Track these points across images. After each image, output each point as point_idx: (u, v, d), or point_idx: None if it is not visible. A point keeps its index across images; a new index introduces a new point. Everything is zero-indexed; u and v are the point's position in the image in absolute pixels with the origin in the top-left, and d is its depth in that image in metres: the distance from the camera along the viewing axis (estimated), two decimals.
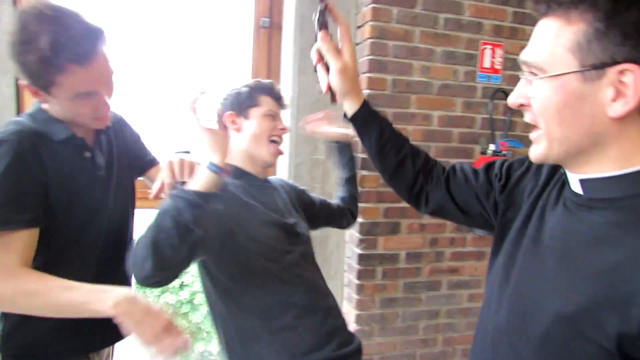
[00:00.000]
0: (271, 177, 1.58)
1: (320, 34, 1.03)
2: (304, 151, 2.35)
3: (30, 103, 1.27)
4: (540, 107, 0.73)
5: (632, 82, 0.64)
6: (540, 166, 0.92)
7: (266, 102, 1.44)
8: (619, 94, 0.66)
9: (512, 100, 0.78)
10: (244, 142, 1.43)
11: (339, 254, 2.49)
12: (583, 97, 0.69)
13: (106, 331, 1.25)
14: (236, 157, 1.44)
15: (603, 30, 0.65)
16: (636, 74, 0.64)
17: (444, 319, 2.51)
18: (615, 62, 0.65)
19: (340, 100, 1.11)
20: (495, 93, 2.31)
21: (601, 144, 0.71)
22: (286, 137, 2.34)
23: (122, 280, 1.32)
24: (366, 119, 1.11)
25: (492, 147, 2.29)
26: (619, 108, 0.67)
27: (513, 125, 2.39)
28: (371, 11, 2.18)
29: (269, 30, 2.47)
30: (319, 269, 1.55)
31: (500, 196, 0.99)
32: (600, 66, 0.66)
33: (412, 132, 2.28)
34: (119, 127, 1.39)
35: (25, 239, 1.05)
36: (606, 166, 0.72)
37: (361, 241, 2.32)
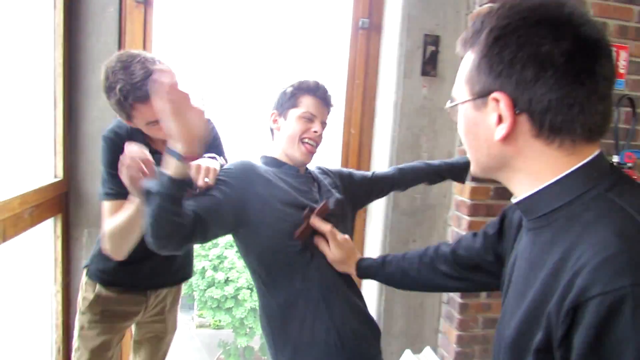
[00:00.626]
0: (313, 168, 1.57)
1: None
2: (405, 158, 2.22)
3: None
4: (459, 133, 0.83)
5: (503, 108, 0.71)
6: None
7: (306, 104, 1.44)
8: (500, 119, 0.72)
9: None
10: (281, 142, 1.46)
11: None
12: (477, 123, 0.77)
13: (163, 276, 1.73)
14: (276, 153, 1.48)
15: (478, 63, 0.73)
16: (503, 100, 0.71)
17: None
18: (490, 91, 0.72)
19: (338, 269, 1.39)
20: (620, 100, 2.12)
21: (507, 166, 0.76)
22: (387, 143, 2.24)
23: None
24: (367, 274, 1.39)
25: (615, 158, 2.09)
26: (500, 132, 0.72)
27: (638, 134, 2.18)
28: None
29: (368, 31, 2.36)
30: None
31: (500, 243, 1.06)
32: (481, 95, 0.74)
33: None
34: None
35: (117, 206, 1.47)
36: (524, 187, 0.76)
37: None
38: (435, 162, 1.77)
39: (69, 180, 2.16)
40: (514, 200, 0.80)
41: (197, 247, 13.08)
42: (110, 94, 1.40)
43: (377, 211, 2.34)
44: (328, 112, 1.50)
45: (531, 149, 0.73)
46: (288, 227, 1.33)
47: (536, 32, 0.68)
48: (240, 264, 15.48)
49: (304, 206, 1.36)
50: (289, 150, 1.45)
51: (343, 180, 1.58)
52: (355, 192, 1.59)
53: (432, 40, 2.19)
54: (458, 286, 1.28)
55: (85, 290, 1.68)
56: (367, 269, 1.39)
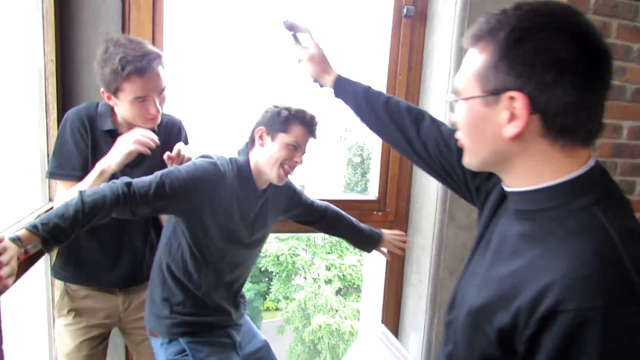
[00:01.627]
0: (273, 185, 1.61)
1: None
2: None
3: None
4: (460, 125, 0.85)
5: (519, 107, 0.73)
6: None
7: (296, 133, 1.48)
8: (512, 117, 0.75)
9: (451, 118, 0.89)
10: (261, 157, 1.49)
11: None
12: (486, 119, 0.78)
13: (137, 272, 1.64)
14: (251, 161, 1.52)
15: (496, 61, 0.74)
16: (521, 100, 0.73)
17: None
18: (506, 89, 0.74)
19: (318, 82, 1.38)
20: None
21: (508, 161, 0.80)
22: None
23: None
24: (341, 89, 1.35)
25: None
26: (511, 130, 0.75)
27: None
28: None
29: (413, 20, 2.07)
30: (246, 272, 1.68)
31: (481, 187, 1.04)
32: (495, 92, 0.76)
33: (597, 146, 1.91)
34: (172, 130, 1.67)
35: (69, 186, 1.48)
36: (520, 181, 0.80)
37: None
38: (354, 220, 1.84)
39: None
40: (506, 188, 0.85)
41: None
42: (107, 63, 1.40)
43: (426, 225, 2.08)
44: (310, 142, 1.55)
45: (536, 148, 0.76)
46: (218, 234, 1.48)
47: (557, 38, 0.71)
48: None
49: (243, 244, 1.54)
50: (266, 169, 1.50)
51: (291, 197, 1.70)
52: (292, 210, 1.73)
53: None
54: (422, 152, 1.20)
55: (56, 293, 1.65)
56: (344, 91, 1.36)
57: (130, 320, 1.69)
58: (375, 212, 2.16)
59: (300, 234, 14.39)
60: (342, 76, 1.35)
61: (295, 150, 1.49)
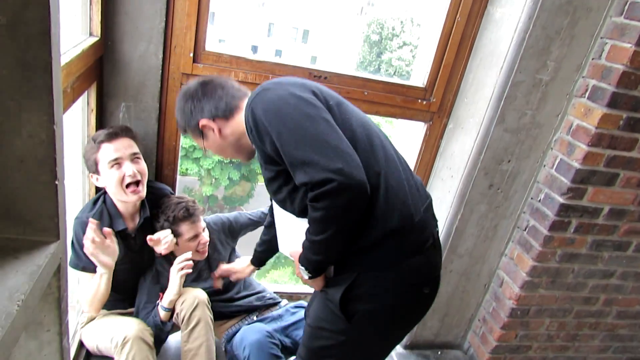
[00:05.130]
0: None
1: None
2: (529, 67, 1.82)
3: None
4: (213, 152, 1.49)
5: (207, 123, 1.36)
6: None
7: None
8: (213, 131, 1.37)
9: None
10: None
11: (523, 195, 2.10)
12: (207, 139, 1.42)
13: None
14: None
15: (186, 118, 1.40)
16: (207, 121, 1.36)
17: (616, 280, 2.24)
18: (197, 122, 1.36)
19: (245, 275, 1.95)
20: None
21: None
22: (505, 45, 1.81)
23: None
24: (260, 260, 1.89)
25: None
26: (216, 133, 1.38)
27: None
28: None
29: None
30: None
31: None
32: (198, 128, 1.37)
33: None
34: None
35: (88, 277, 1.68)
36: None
37: (569, 190, 1.91)
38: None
39: (105, 41, 1.64)
40: None
41: None
42: (88, 145, 1.63)
43: (472, 122, 1.99)
44: None
45: (225, 132, 1.40)
46: None
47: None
48: None
49: None
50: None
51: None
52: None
53: None
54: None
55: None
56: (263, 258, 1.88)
57: None
58: (419, 101, 2.05)
59: None
60: (252, 259, 1.89)
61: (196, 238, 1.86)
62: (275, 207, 1.38)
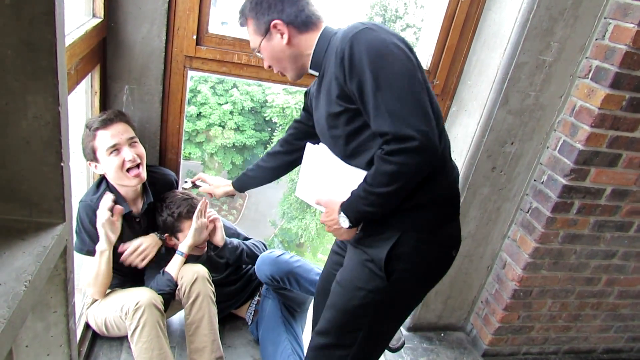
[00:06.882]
0: None
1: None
2: (532, 48, 1.81)
3: None
4: (269, 63, 1.38)
5: (280, 26, 1.28)
6: None
7: None
8: (281, 34, 1.29)
9: (265, 65, 1.42)
10: None
11: (526, 177, 2.11)
12: (272, 46, 1.33)
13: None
14: None
15: (254, 20, 1.32)
16: (279, 22, 1.28)
17: (618, 261, 2.25)
18: (269, 22, 1.28)
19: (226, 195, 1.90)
20: None
21: (300, 57, 1.35)
22: (509, 25, 1.80)
23: None
24: (242, 184, 1.82)
25: None
26: (285, 39, 1.30)
27: None
28: None
29: None
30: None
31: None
32: (267, 29, 1.30)
33: None
34: (167, 187, 1.93)
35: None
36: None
37: (572, 171, 1.91)
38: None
39: (108, 22, 1.64)
40: (311, 71, 1.37)
41: None
42: (83, 134, 1.63)
43: (475, 105, 1.98)
44: None
45: (298, 40, 1.31)
46: None
47: None
48: (214, 100, 14.87)
49: None
50: None
51: None
52: None
53: None
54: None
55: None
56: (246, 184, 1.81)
57: None
58: None
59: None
60: (235, 181, 1.82)
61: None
62: (315, 149, 1.40)
